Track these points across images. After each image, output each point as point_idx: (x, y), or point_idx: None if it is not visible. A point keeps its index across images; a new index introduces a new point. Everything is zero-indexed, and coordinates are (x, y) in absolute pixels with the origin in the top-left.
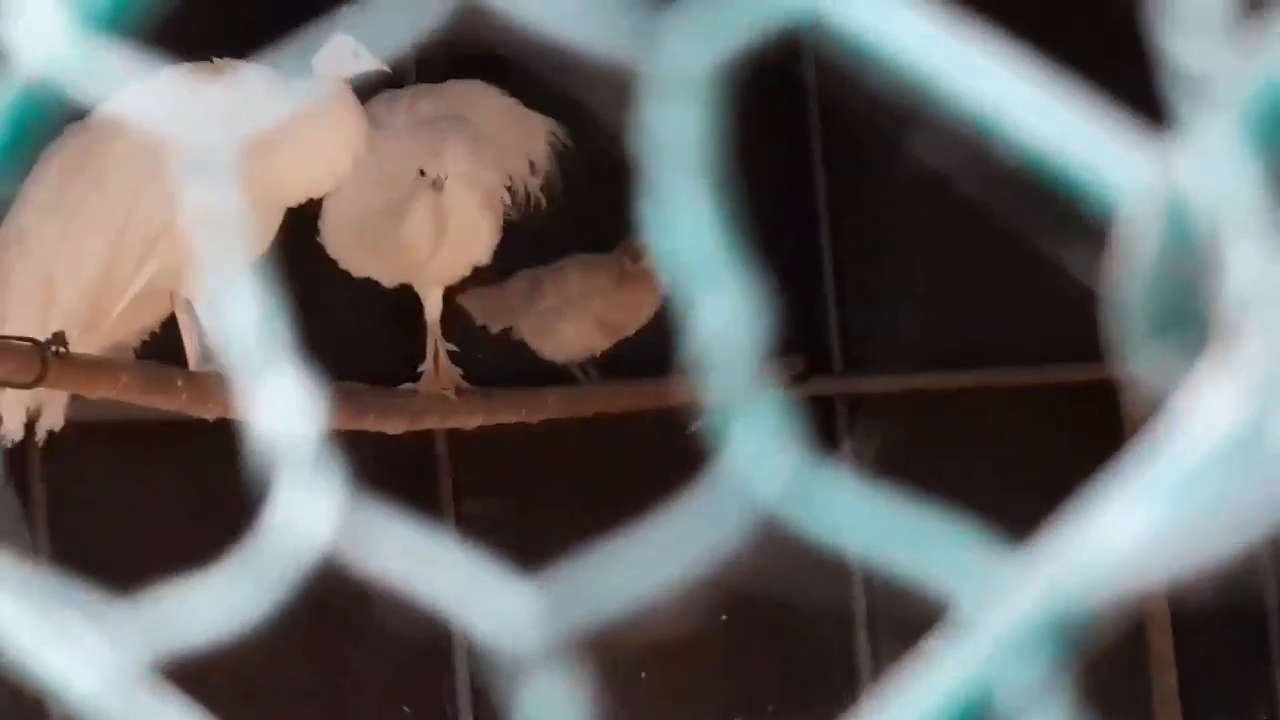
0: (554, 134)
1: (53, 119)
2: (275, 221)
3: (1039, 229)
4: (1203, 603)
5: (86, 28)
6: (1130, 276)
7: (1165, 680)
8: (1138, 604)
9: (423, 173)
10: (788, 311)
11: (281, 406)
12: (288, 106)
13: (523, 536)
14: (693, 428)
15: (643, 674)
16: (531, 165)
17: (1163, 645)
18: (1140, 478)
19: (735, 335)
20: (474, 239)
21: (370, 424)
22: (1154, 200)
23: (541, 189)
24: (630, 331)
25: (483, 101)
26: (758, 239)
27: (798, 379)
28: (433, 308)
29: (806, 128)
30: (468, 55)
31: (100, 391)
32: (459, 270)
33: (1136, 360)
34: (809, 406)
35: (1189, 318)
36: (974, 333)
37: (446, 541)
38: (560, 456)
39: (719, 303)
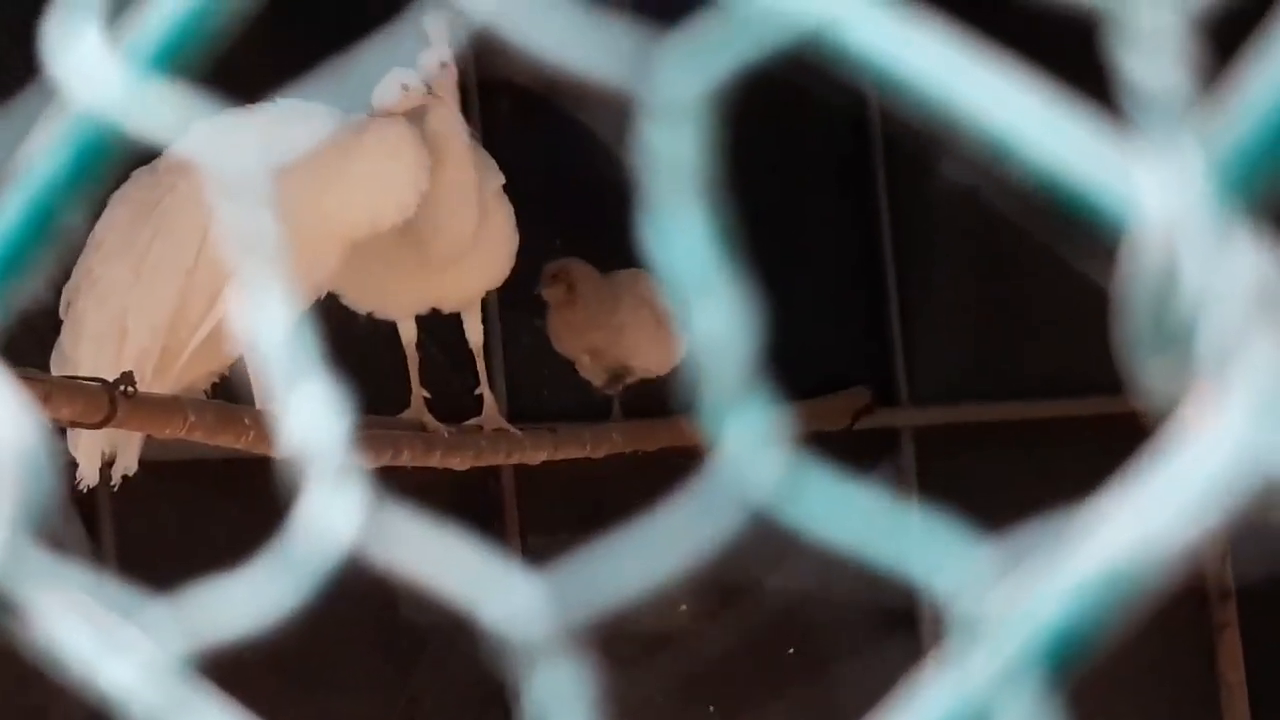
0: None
1: (112, 157)
2: (337, 258)
3: (1096, 261)
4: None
5: (141, 66)
6: (1137, 289)
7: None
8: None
9: (405, 87)
10: (854, 345)
11: (309, 411)
12: (351, 143)
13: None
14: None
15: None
16: None
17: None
18: (1150, 486)
19: (729, 342)
20: (505, 258)
21: (436, 460)
22: (1159, 212)
23: None
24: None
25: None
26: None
27: (864, 411)
28: (475, 330)
29: (871, 167)
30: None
31: (168, 431)
32: (482, 288)
33: (1145, 373)
34: (875, 438)
35: (1193, 331)
36: (1040, 364)
37: (456, 534)
38: (626, 490)
39: (714, 311)
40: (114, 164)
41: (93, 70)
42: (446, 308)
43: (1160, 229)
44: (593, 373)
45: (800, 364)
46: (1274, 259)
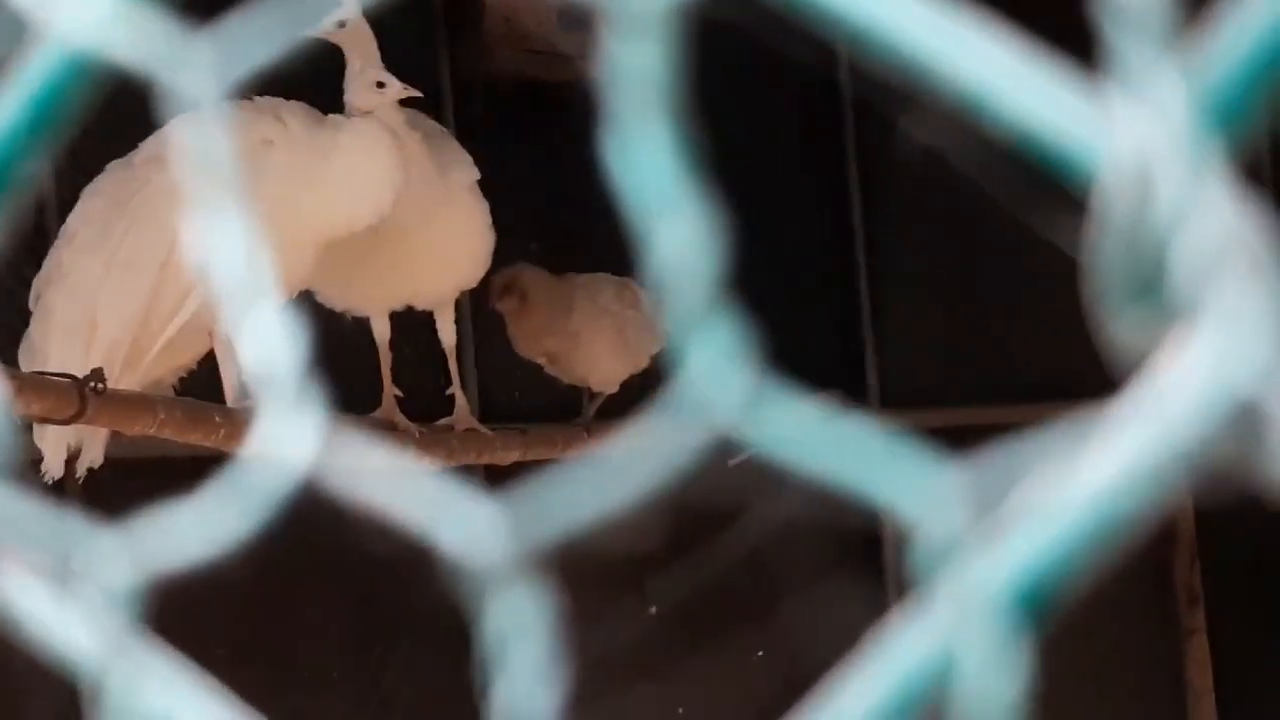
0: None
1: (73, 105)
2: (313, 258)
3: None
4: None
5: None
6: (1109, 235)
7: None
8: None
9: (381, 85)
10: (825, 347)
11: (265, 336)
12: (329, 143)
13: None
14: (734, 461)
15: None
16: None
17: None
18: (1123, 428)
19: (692, 260)
20: (477, 255)
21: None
22: (1134, 146)
23: None
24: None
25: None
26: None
27: None
28: (448, 330)
29: (844, 163)
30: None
31: (138, 428)
32: (450, 287)
33: (1117, 324)
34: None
35: (1165, 274)
36: (1013, 367)
37: (414, 463)
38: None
39: (677, 230)
40: (79, 109)
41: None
42: (419, 305)
43: (1135, 165)
44: (556, 372)
45: (768, 365)
46: (1246, 199)
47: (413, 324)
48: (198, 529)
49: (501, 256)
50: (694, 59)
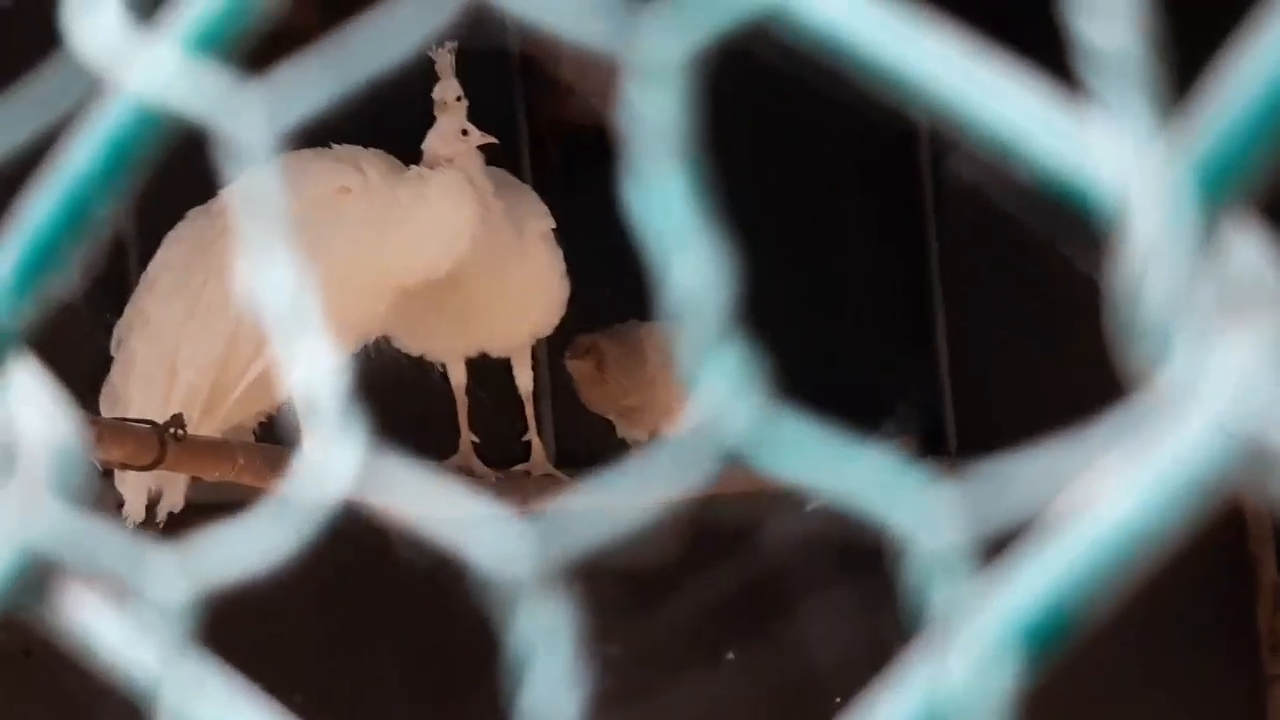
0: None
1: (148, 149)
2: (388, 304)
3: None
4: None
5: (187, 47)
6: (1119, 279)
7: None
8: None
9: (465, 133)
10: (901, 392)
11: (312, 363)
12: (415, 193)
13: (632, 616)
14: (810, 506)
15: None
16: None
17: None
18: (1136, 463)
19: (706, 294)
20: (551, 303)
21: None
22: (1146, 188)
23: None
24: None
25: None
26: (873, 319)
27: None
28: (525, 377)
29: (921, 209)
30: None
31: (217, 474)
32: (525, 334)
33: (1134, 360)
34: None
35: (1168, 323)
36: (1091, 412)
37: (447, 480)
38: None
39: (691, 265)
40: (152, 154)
41: (134, 51)
42: (494, 353)
43: (1133, 219)
44: (628, 432)
45: (844, 412)
46: (1254, 248)
47: (490, 370)
48: (247, 547)
49: (576, 303)
50: (773, 110)
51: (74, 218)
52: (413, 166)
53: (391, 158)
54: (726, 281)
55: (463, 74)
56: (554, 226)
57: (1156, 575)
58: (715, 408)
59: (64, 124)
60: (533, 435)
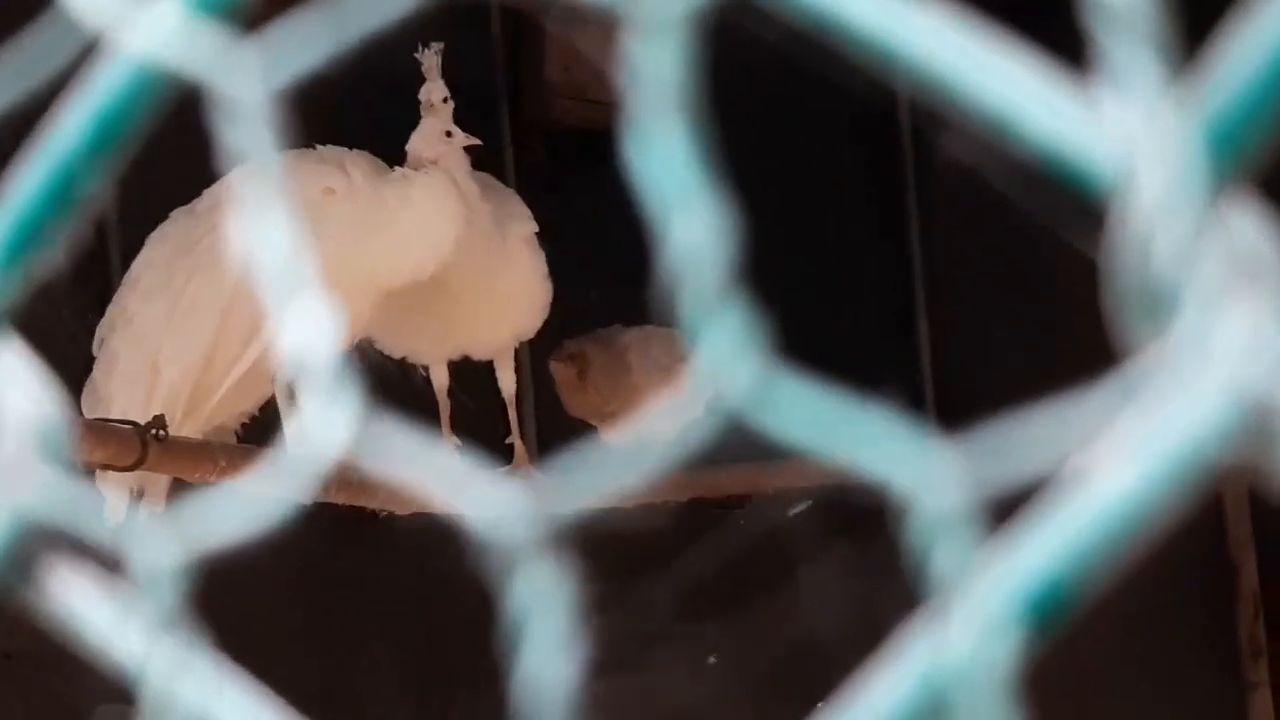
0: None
1: (135, 125)
2: (372, 306)
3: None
4: None
5: (194, 9)
6: (1120, 253)
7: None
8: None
9: (449, 134)
10: (881, 359)
11: (306, 326)
12: (399, 195)
13: (627, 614)
14: (793, 511)
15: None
16: None
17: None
18: (1138, 433)
19: (706, 253)
20: (533, 306)
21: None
22: (1117, 165)
23: None
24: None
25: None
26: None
27: None
28: (507, 380)
29: (901, 176)
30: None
31: (199, 475)
32: (508, 337)
33: (1134, 334)
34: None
35: (1174, 295)
36: (1071, 380)
37: (442, 444)
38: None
39: (692, 223)
40: (138, 128)
41: (134, 10)
42: (477, 355)
43: (1142, 176)
44: (609, 436)
45: (823, 378)
46: (1256, 221)
47: (473, 373)
48: (237, 511)
49: (561, 304)
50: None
51: (60, 195)
52: (397, 168)
53: (375, 159)
54: (728, 239)
55: (447, 73)
56: (537, 230)
57: (1138, 581)
58: (715, 367)
59: (53, 86)
60: (515, 438)
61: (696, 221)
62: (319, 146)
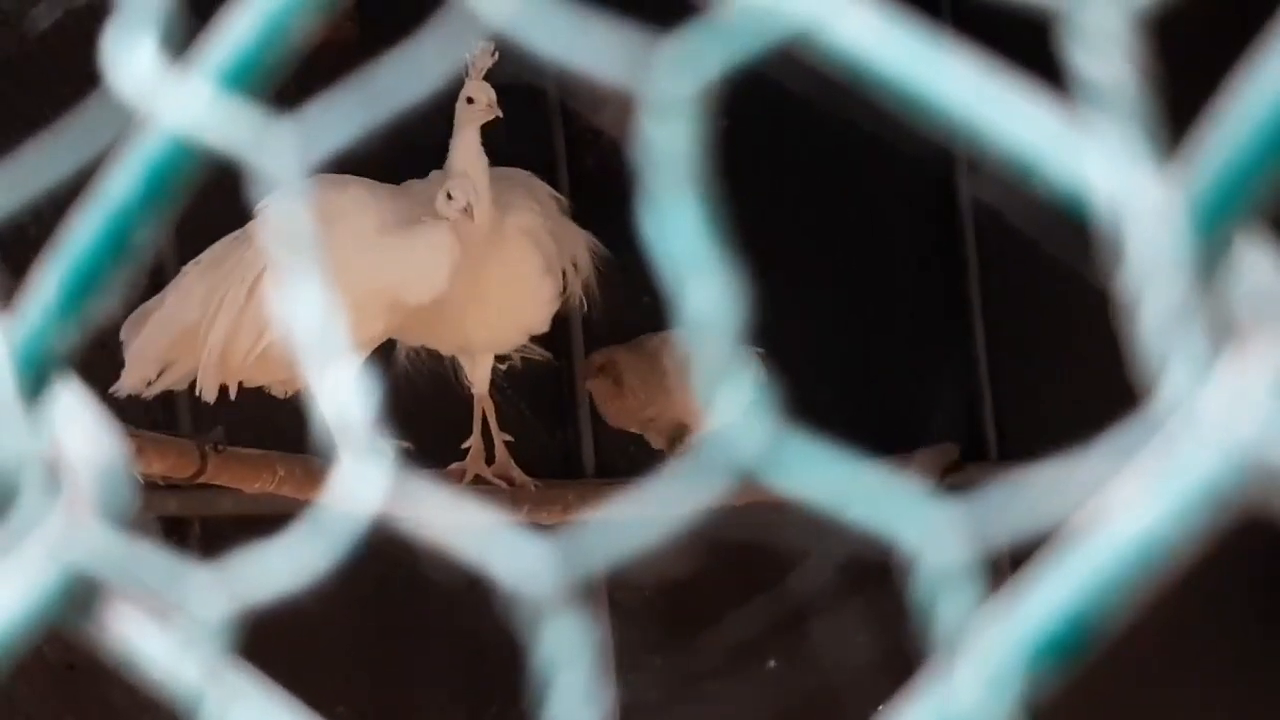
0: (593, 247)
1: (188, 177)
2: (381, 319)
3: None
4: None
5: (220, 81)
6: (1136, 279)
7: None
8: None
9: (450, 196)
10: (941, 399)
11: (341, 387)
12: (406, 238)
13: (673, 625)
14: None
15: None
16: (574, 264)
17: None
18: (1150, 479)
19: (719, 319)
20: (534, 300)
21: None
22: (1141, 215)
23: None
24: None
25: (537, 190)
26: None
27: (952, 468)
28: (481, 379)
29: (960, 224)
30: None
31: (257, 486)
32: (512, 333)
33: (1148, 365)
34: (963, 494)
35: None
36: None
37: (469, 498)
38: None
39: (705, 291)
40: (191, 184)
41: (170, 87)
42: (490, 351)
43: (1130, 244)
44: (654, 439)
45: (886, 419)
46: (1269, 265)
47: (526, 380)
48: (284, 564)
49: (616, 309)
50: (817, 138)
51: (116, 243)
52: (407, 189)
53: (379, 185)
54: (739, 307)
55: (499, 79)
56: (540, 220)
57: (1189, 587)
58: (729, 428)
59: (104, 157)
60: (475, 437)
61: (707, 290)
62: (327, 174)
